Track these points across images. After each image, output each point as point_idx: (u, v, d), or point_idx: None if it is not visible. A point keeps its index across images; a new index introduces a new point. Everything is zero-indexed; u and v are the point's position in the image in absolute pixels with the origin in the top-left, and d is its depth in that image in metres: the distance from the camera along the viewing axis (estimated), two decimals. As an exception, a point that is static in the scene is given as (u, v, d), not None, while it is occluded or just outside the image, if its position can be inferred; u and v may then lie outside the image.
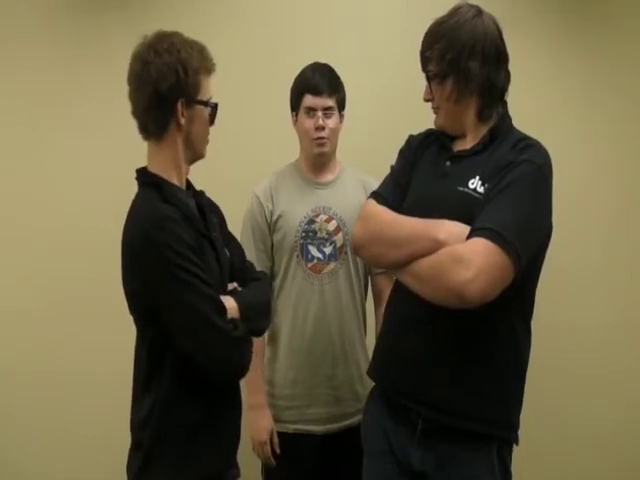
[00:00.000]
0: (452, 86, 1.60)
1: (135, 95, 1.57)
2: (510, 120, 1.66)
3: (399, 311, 1.69)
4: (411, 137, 1.80)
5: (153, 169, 1.60)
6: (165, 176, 1.58)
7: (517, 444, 1.63)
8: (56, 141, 2.70)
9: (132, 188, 1.61)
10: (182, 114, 1.56)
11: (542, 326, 1.83)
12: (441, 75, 1.61)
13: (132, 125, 1.61)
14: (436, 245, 1.50)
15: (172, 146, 1.59)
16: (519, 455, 1.67)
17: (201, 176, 1.75)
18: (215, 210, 1.75)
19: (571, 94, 2.71)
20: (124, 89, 1.64)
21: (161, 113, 1.55)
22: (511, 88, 1.64)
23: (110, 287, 2.54)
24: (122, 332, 1.81)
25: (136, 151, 1.68)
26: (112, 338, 2.56)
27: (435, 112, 1.70)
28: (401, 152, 1.80)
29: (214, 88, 1.62)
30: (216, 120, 1.65)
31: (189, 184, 1.71)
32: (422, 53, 1.66)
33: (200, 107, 1.58)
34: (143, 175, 1.60)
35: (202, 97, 1.58)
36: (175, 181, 1.61)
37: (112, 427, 2.57)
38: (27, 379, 2.70)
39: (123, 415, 1.66)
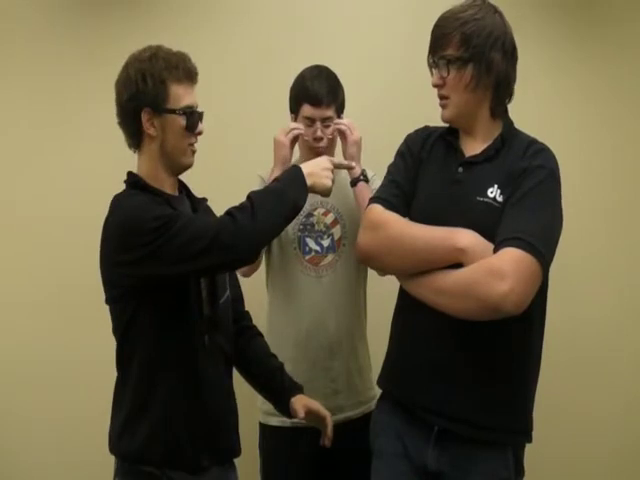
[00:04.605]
0: (472, 73, 1.54)
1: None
2: (513, 124, 1.65)
3: (411, 322, 1.64)
4: (410, 138, 1.74)
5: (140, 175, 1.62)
6: (151, 183, 1.59)
7: (530, 442, 1.63)
8: (56, 139, 2.68)
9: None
10: (151, 124, 1.55)
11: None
12: (463, 60, 1.54)
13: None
14: (456, 254, 1.46)
15: (149, 155, 1.60)
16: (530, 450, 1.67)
17: (198, 177, 1.74)
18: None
19: (572, 98, 2.72)
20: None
21: (128, 123, 1.58)
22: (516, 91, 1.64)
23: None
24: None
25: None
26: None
27: (443, 104, 1.61)
28: (401, 154, 1.73)
29: (206, 95, 1.61)
30: (215, 121, 1.63)
31: (187, 190, 1.70)
32: (442, 35, 1.57)
33: (171, 116, 1.55)
34: (132, 176, 1.62)
35: (172, 105, 1.55)
36: (164, 188, 1.60)
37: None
38: (25, 370, 2.69)
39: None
